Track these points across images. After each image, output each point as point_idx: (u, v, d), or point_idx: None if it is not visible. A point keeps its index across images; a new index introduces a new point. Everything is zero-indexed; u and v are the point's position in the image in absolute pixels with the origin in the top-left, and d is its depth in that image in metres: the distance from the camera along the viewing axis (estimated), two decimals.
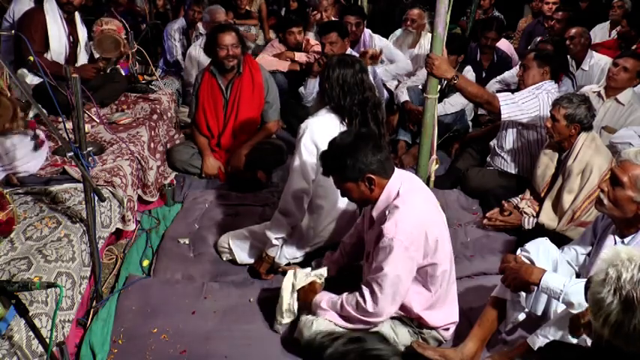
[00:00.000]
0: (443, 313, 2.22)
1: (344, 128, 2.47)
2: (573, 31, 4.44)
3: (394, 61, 4.78)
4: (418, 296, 2.15)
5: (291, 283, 2.31)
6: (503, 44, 5.33)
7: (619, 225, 2.06)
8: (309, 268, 2.44)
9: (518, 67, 3.83)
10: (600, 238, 2.16)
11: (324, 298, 2.21)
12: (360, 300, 2.08)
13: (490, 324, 2.23)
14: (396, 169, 2.09)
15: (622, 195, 1.95)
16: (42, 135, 2.79)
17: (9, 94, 2.42)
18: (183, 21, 5.28)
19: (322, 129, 2.46)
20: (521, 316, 2.22)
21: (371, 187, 2.02)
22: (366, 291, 2.07)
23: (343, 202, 2.63)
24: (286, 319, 2.32)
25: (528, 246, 2.26)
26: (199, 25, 5.23)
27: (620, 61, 3.46)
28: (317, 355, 2.11)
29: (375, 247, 2.04)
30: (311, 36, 5.04)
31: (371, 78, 3.02)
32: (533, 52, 3.58)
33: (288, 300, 2.29)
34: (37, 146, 2.71)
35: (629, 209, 1.96)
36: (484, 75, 4.71)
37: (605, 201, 2.01)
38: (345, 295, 2.17)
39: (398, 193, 2.02)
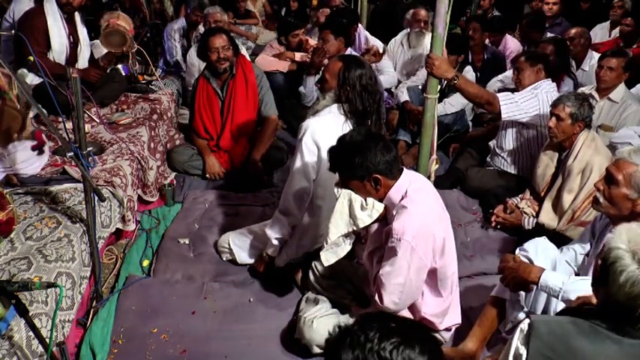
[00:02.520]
0: (449, 316, 2.23)
1: (347, 127, 2.46)
2: (573, 31, 4.43)
3: (382, 73, 4.74)
4: (430, 301, 2.15)
5: (347, 211, 2.10)
6: (513, 43, 5.31)
7: (616, 224, 2.05)
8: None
9: (512, 70, 3.84)
10: (599, 238, 2.16)
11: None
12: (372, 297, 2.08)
13: (490, 324, 2.23)
14: (405, 169, 2.08)
15: (617, 193, 1.97)
16: (46, 145, 2.79)
17: (18, 106, 2.43)
18: (183, 21, 5.26)
19: (323, 128, 2.46)
20: (521, 316, 2.22)
21: (376, 187, 2.01)
22: (374, 289, 2.07)
23: None
24: (330, 256, 2.14)
25: (527, 245, 2.26)
26: (200, 26, 5.22)
27: (603, 62, 3.49)
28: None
29: (385, 246, 2.04)
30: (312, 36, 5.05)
31: None
32: (523, 54, 3.61)
33: (341, 231, 2.08)
34: (38, 148, 2.71)
35: (625, 207, 1.97)
36: (478, 75, 4.70)
37: (602, 199, 2.02)
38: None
39: (406, 193, 2.01)
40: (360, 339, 1.11)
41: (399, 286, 2.00)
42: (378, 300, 2.05)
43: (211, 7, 4.96)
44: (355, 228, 2.09)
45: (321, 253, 2.14)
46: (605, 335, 1.37)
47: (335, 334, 1.16)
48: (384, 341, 1.09)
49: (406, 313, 2.17)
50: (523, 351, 1.44)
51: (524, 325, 1.47)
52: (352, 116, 2.48)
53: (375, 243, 2.16)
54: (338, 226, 2.10)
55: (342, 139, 2.06)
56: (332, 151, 2.07)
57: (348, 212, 2.09)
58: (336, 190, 2.12)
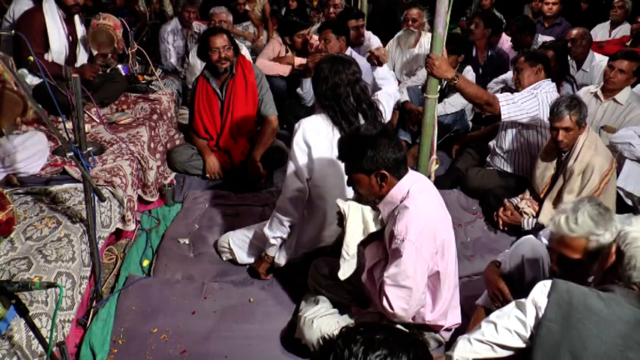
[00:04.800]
0: (450, 316, 2.23)
1: (336, 128, 2.47)
2: (574, 32, 4.43)
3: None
4: (432, 307, 2.15)
5: (361, 220, 2.18)
6: (510, 44, 5.30)
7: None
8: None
9: (512, 71, 3.82)
10: None
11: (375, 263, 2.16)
12: (380, 304, 2.06)
13: None
14: (410, 170, 2.08)
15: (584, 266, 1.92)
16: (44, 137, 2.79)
17: (15, 88, 2.41)
18: (176, 22, 5.18)
19: (314, 128, 2.47)
20: None
21: (381, 183, 2.00)
22: (381, 294, 2.04)
23: None
24: (347, 270, 2.21)
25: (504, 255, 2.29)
26: (194, 24, 5.19)
27: (615, 63, 3.48)
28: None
29: (389, 248, 2.03)
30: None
31: (369, 79, 3.01)
32: (523, 54, 3.59)
33: (354, 243, 2.18)
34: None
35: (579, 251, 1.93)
36: (481, 71, 4.69)
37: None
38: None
39: (408, 193, 2.00)
40: (343, 354, 1.07)
41: (407, 290, 1.97)
42: (387, 308, 2.00)
43: (217, 7, 4.94)
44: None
45: (340, 270, 2.17)
46: (619, 302, 1.53)
47: (318, 348, 1.14)
48: (369, 355, 1.06)
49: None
50: (543, 302, 1.60)
51: (547, 283, 1.64)
52: (329, 114, 2.48)
53: (374, 258, 2.14)
54: (355, 237, 2.15)
55: (356, 130, 2.04)
56: (344, 140, 2.07)
57: (362, 223, 2.14)
58: (341, 204, 2.18)
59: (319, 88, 2.49)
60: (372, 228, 2.16)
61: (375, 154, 1.95)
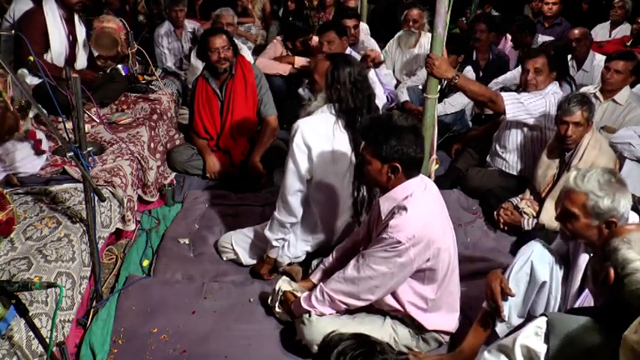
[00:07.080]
0: (439, 318, 2.22)
1: (338, 127, 2.47)
2: (577, 32, 4.43)
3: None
4: (415, 296, 2.16)
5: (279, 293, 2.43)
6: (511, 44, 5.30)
7: (590, 245, 2.03)
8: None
9: (519, 69, 3.79)
10: (574, 257, 2.13)
11: (301, 299, 2.29)
12: (346, 269, 2.15)
13: (484, 330, 2.21)
14: (422, 175, 2.11)
15: (579, 225, 1.93)
16: (44, 141, 2.79)
17: (11, 108, 2.43)
18: (168, 25, 5.14)
19: (314, 129, 2.47)
20: (518, 321, 2.21)
21: (391, 175, 2.02)
22: (353, 263, 2.13)
23: (343, 204, 2.63)
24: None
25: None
26: (186, 22, 5.17)
27: (611, 64, 3.47)
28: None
29: (376, 235, 2.06)
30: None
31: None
32: (545, 56, 3.41)
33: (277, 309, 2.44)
34: (37, 152, 2.73)
35: (591, 234, 1.92)
36: (481, 74, 4.69)
37: (568, 233, 2.00)
38: (320, 283, 2.26)
39: (412, 194, 2.03)
40: None
41: (375, 279, 2.05)
42: (354, 271, 2.10)
43: (224, 8, 4.93)
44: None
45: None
46: (615, 330, 1.40)
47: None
48: None
49: (392, 302, 2.18)
50: (542, 349, 1.46)
51: (540, 324, 1.49)
52: (343, 115, 2.48)
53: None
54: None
55: (389, 117, 2.07)
56: (374, 120, 2.10)
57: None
58: (277, 284, 2.43)
59: (340, 90, 2.46)
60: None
61: (396, 145, 1.97)
